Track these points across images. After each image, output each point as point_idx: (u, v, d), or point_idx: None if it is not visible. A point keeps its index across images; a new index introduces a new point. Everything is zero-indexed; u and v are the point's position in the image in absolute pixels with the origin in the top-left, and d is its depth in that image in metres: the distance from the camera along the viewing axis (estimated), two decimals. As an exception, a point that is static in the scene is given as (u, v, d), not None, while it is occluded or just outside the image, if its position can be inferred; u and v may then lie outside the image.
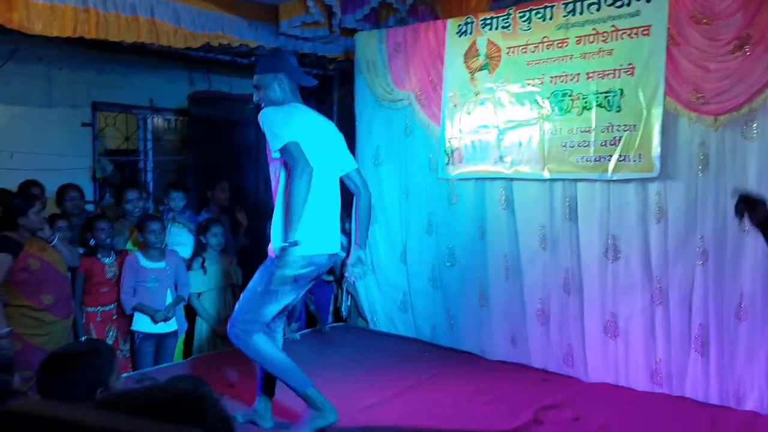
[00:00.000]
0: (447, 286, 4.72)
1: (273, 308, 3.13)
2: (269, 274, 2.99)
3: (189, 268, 4.64)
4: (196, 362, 4.41)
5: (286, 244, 2.89)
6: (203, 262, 4.66)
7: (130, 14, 4.44)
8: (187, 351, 4.77)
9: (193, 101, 5.58)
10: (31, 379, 3.14)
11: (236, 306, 3.21)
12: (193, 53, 5.06)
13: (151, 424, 0.61)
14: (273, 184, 3.15)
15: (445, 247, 4.71)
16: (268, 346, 3.12)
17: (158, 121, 6.62)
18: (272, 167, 3.13)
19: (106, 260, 4.34)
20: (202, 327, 4.73)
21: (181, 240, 4.83)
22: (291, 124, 3.01)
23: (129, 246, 4.59)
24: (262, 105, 3.18)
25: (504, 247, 4.36)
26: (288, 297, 3.14)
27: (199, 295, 4.67)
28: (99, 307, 4.31)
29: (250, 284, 3.16)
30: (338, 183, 3.27)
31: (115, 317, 4.36)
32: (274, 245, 3.04)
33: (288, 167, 2.98)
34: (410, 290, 4.97)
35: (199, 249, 4.75)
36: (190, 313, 4.76)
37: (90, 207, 5.55)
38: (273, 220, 3.10)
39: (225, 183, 5.06)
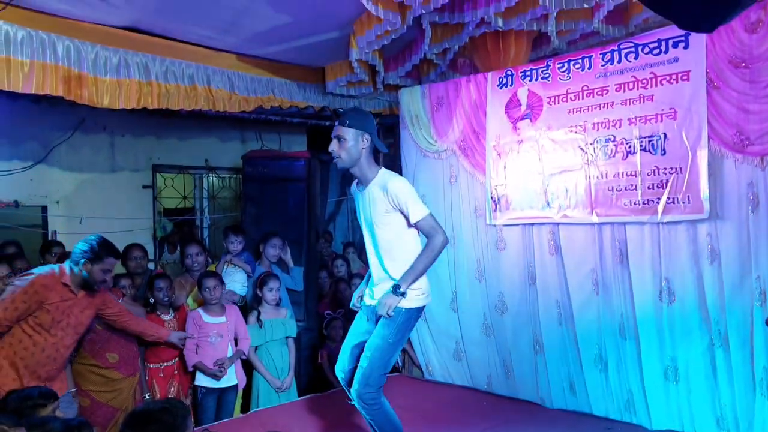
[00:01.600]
0: (500, 334, 4.73)
1: (396, 357, 3.33)
2: (398, 324, 3.20)
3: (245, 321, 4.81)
4: (255, 416, 4.51)
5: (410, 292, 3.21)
6: (258, 315, 4.81)
7: (189, 84, 4.75)
8: (245, 405, 4.88)
9: (247, 160, 5.85)
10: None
11: (365, 368, 3.20)
12: (246, 115, 5.33)
13: None
14: (383, 240, 3.31)
15: (496, 294, 4.74)
16: (391, 410, 3.28)
17: (213, 179, 6.93)
18: (388, 228, 3.28)
19: (166, 317, 4.52)
20: (259, 380, 4.85)
21: (236, 278, 5.00)
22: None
23: (190, 300, 4.78)
24: (338, 157, 3.30)
25: (555, 293, 4.36)
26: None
27: (256, 348, 4.82)
28: (161, 363, 4.46)
29: (378, 340, 3.22)
30: None
31: (176, 372, 4.51)
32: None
33: (419, 231, 3.29)
34: (463, 338, 4.99)
35: (255, 303, 4.91)
36: (247, 367, 4.89)
37: (151, 265, 5.81)
38: (386, 272, 3.29)
39: (276, 239, 5.24)
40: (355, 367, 3.32)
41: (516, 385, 4.65)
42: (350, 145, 3.27)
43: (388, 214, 3.25)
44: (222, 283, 4.61)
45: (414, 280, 3.19)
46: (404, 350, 5.46)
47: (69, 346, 3.60)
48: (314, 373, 5.44)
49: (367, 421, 3.29)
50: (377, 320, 3.29)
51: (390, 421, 3.25)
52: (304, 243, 5.58)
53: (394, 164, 5.64)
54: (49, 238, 5.41)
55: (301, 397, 4.92)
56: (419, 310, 3.31)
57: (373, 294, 3.38)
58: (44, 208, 5.56)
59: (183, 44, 4.68)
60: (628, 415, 4.06)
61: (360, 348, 3.37)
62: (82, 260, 3.50)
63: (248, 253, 5.15)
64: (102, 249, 3.54)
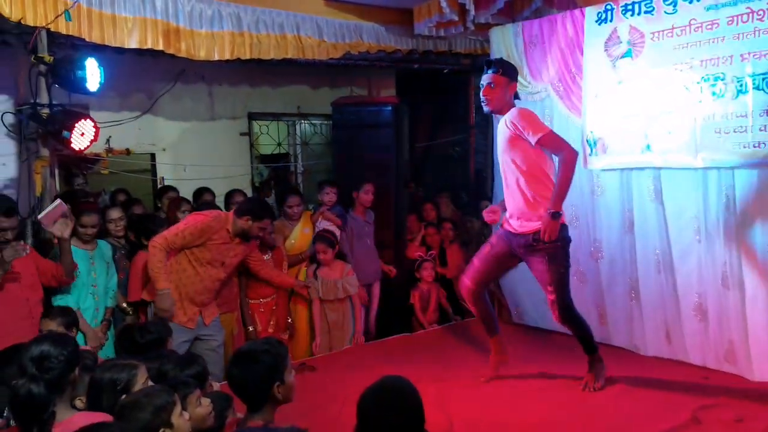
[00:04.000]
0: (594, 280, 4.64)
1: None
2: (563, 252, 3.63)
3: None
4: (345, 352, 4.74)
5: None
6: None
7: (279, 33, 4.84)
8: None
9: (335, 107, 5.91)
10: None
11: (559, 299, 3.69)
12: (334, 61, 5.36)
13: None
14: (518, 173, 3.63)
15: (591, 240, 4.62)
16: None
17: (306, 126, 7.07)
18: (521, 156, 3.62)
19: (265, 257, 4.74)
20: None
21: None
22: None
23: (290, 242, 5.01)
24: (488, 102, 3.66)
25: (654, 240, 4.21)
26: None
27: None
28: (260, 299, 4.70)
29: (555, 274, 3.64)
30: None
31: (274, 308, 4.76)
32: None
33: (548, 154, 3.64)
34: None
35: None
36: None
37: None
38: (531, 207, 3.63)
39: (370, 185, 5.32)
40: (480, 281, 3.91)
41: (610, 331, 4.58)
42: (500, 91, 3.63)
43: (514, 141, 3.58)
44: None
45: (562, 198, 3.51)
46: (493, 293, 5.48)
47: (221, 281, 4.04)
48: (405, 314, 5.57)
49: (575, 333, 3.81)
50: (526, 250, 3.67)
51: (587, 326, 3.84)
52: (392, 188, 5.64)
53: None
54: (158, 184, 5.77)
55: (391, 337, 5.09)
56: (566, 227, 3.68)
57: (512, 223, 3.74)
58: (152, 156, 5.89)
59: (272, -8, 4.74)
60: (728, 366, 3.93)
61: (494, 266, 3.91)
62: (245, 216, 3.91)
63: (340, 206, 5.28)
64: (262, 210, 4.02)
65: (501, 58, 3.90)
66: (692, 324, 4.08)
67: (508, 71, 3.68)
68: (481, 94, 3.69)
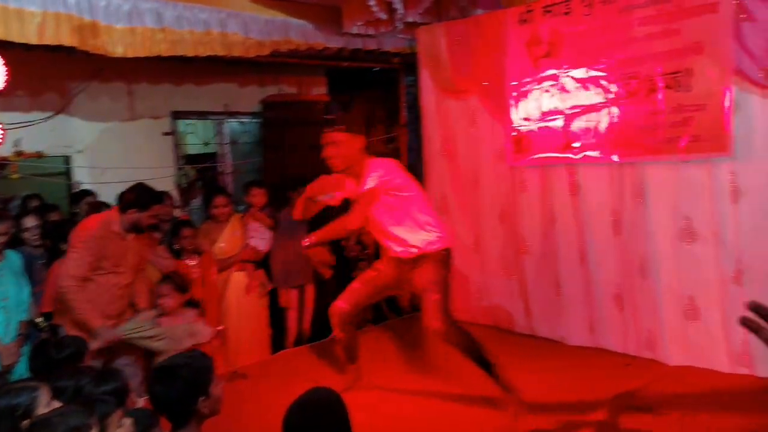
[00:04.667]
0: (521, 274, 4.75)
1: None
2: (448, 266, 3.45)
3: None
4: (280, 356, 4.67)
5: None
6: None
7: (203, 29, 4.67)
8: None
9: (266, 105, 5.80)
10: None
11: (445, 296, 3.35)
12: (263, 59, 5.25)
13: None
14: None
15: (517, 235, 4.74)
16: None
17: (234, 125, 6.91)
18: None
19: (191, 263, 4.60)
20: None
21: (260, 235, 5.06)
22: None
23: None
24: (333, 163, 3.25)
25: (575, 233, 4.35)
26: None
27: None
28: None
29: (439, 275, 3.38)
30: None
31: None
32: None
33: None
34: (484, 279, 5.03)
35: None
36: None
37: (176, 212, 5.86)
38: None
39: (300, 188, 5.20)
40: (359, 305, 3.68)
41: (536, 323, 4.70)
42: (345, 149, 3.23)
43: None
44: None
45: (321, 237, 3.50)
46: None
47: (126, 286, 3.79)
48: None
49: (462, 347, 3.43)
50: (414, 265, 3.45)
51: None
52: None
53: (416, 104, 5.57)
54: (73, 188, 5.49)
55: (326, 339, 5.05)
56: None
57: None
58: (67, 159, 5.61)
59: (195, -12, 4.59)
60: (647, 352, 4.10)
61: (376, 292, 3.73)
62: (130, 209, 3.67)
63: (270, 207, 5.16)
64: (146, 197, 3.74)
65: (342, 112, 3.42)
66: (612, 313, 4.24)
67: (352, 126, 3.29)
68: (324, 152, 3.33)
